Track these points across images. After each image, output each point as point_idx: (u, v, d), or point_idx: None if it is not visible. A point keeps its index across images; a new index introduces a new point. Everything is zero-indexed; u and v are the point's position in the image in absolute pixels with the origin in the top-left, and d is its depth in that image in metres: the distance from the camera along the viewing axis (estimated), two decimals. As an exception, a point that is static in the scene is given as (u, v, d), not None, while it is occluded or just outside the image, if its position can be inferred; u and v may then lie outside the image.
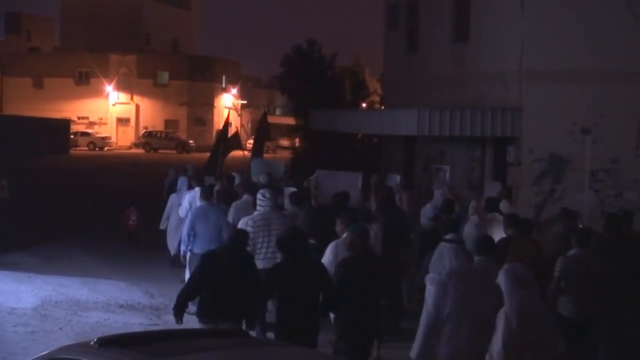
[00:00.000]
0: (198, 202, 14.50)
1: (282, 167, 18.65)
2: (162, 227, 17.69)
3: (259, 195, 12.02)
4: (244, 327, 9.05)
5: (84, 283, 15.44)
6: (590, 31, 18.06)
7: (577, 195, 17.70)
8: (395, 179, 16.30)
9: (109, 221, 22.61)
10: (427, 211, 14.53)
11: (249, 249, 11.42)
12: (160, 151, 70.18)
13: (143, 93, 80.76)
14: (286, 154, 44.97)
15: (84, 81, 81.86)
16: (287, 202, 14.03)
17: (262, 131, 22.95)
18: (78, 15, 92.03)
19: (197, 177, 16.71)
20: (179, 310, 9.16)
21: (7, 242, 18.39)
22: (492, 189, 15.76)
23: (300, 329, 8.42)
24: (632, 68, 18.08)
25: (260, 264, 11.59)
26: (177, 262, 16.08)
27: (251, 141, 26.78)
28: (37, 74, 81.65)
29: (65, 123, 69.74)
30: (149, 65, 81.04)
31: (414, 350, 8.22)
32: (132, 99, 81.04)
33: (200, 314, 9.12)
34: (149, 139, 73.88)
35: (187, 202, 15.54)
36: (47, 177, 39.75)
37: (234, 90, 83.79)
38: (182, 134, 76.95)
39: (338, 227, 10.35)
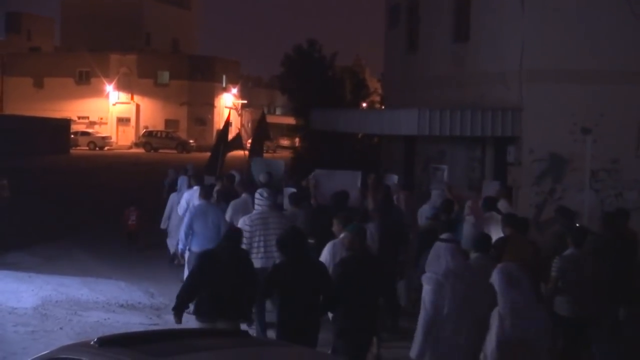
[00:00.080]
0: (195, 201, 14.53)
1: (283, 167, 18.66)
2: (162, 226, 17.71)
3: (257, 195, 12.04)
4: (242, 326, 9.09)
5: (84, 283, 15.44)
6: (591, 31, 18.06)
7: (578, 195, 17.71)
8: (393, 179, 16.30)
9: (109, 221, 22.62)
10: (424, 211, 14.54)
11: (245, 247, 11.47)
12: (160, 151, 70.20)
13: (143, 93, 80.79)
14: (286, 154, 44.98)
15: (85, 81, 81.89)
16: (286, 202, 14.05)
17: (261, 131, 22.99)
18: (78, 15, 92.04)
19: (196, 176, 16.72)
20: (179, 311, 9.16)
21: (7, 242, 18.39)
22: (490, 188, 15.79)
23: (301, 329, 8.42)
24: (633, 68, 18.07)
25: (257, 262, 11.61)
26: (176, 261, 16.09)
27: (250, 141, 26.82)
28: (38, 73, 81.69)
29: (66, 123, 69.76)
30: (149, 65, 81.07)
31: (413, 350, 8.24)
32: (132, 98, 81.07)
33: (198, 313, 9.12)
34: (149, 139, 73.89)
35: (184, 201, 15.57)
36: (47, 176, 39.76)
37: (234, 90, 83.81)
38: (182, 134, 76.97)
39: (335, 227, 10.36)
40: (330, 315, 9.03)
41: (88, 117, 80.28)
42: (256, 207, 11.99)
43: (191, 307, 9.59)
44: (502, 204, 13.82)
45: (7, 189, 22.56)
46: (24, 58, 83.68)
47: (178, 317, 9.16)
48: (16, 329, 12.06)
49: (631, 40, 18.10)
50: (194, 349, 5.86)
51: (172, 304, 9.42)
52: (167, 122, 79.69)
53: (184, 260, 14.10)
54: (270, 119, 75.15)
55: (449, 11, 21.81)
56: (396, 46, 25.92)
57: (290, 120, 47.07)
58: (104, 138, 74.03)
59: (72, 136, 70.04)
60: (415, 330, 9.12)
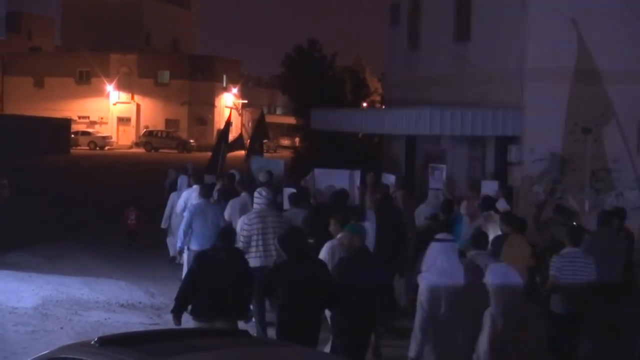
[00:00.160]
0: (193, 201, 14.56)
1: (282, 166, 18.67)
2: (163, 226, 17.69)
3: (256, 194, 12.07)
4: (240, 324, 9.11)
5: (84, 282, 15.44)
6: (591, 31, 18.06)
7: (578, 194, 17.71)
8: (391, 179, 16.30)
9: (109, 221, 22.60)
10: (422, 211, 14.57)
11: (243, 246, 11.49)
12: (160, 150, 70.20)
13: (144, 92, 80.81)
14: (287, 154, 44.99)
15: (85, 81, 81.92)
16: (286, 202, 14.06)
17: (260, 130, 23.03)
18: (79, 14, 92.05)
19: (196, 175, 16.72)
20: (178, 313, 9.15)
21: (7, 242, 18.38)
22: (489, 188, 15.85)
23: (301, 328, 8.42)
24: (633, 67, 18.08)
25: (255, 261, 11.62)
26: (176, 260, 16.09)
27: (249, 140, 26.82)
28: (38, 73, 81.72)
29: (66, 122, 69.79)
30: (150, 65, 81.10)
31: (412, 350, 8.25)
32: (132, 98, 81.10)
33: (196, 314, 9.10)
34: (149, 139, 73.90)
35: (182, 200, 15.61)
36: (47, 176, 39.74)
37: (235, 90, 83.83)
38: (182, 134, 76.99)
39: (332, 227, 10.36)
40: (327, 314, 9.02)
41: (88, 117, 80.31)
42: (255, 206, 12.01)
43: (189, 307, 9.59)
44: (500, 204, 13.90)
45: (7, 189, 22.56)
46: (24, 58, 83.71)
47: (177, 319, 9.14)
48: (16, 328, 12.06)
49: (632, 40, 18.11)
50: (194, 349, 5.85)
51: (172, 305, 9.41)
52: (168, 122, 79.71)
53: (183, 259, 14.10)
54: (271, 118, 75.47)
55: (449, 10, 21.81)
56: (397, 46, 25.91)
57: (291, 120, 47.09)
58: (104, 138, 74.04)
59: (73, 136, 70.06)
60: (412, 330, 9.13)
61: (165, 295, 14.27)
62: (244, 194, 13.97)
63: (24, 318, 12.67)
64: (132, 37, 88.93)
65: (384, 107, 31.61)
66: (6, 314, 12.87)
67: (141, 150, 71.74)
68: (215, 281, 8.97)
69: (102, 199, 29.64)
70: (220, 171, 19.68)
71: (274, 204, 12.97)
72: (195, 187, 15.31)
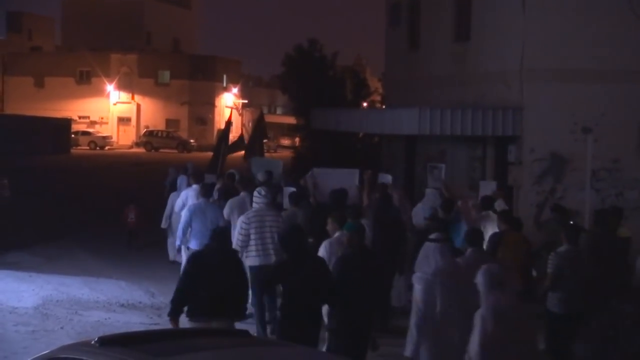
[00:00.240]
0: (190, 200, 14.58)
1: (281, 166, 18.70)
2: (163, 226, 17.70)
3: (255, 193, 12.10)
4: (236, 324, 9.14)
5: (85, 282, 15.45)
6: (591, 30, 18.06)
7: (578, 194, 17.71)
8: (387, 178, 16.31)
9: (109, 220, 22.61)
10: (419, 210, 14.61)
11: (241, 244, 11.51)
12: (161, 150, 70.20)
13: (144, 92, 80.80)
14: (287, 154, 44.98)
15: (85, 80, 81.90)
16: (286, 201, 14.08)
17: (260, 131, 23.07)
18: (79, 14, 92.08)
19: (196, 175, 16.73)
20: (175, 316, 9.14)
21: (8, 241, 18.40)
22: (487, 188, 15.90)
23: (302, 327, 8.42)
24: (633, 67, 18.08)
25: (253, 260, 11.64)
26: (177, 259, 16.11)
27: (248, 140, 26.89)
28: (38, 73, 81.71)
29: (66, 122, 69.80)
30: (150, 65, 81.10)
31: (408, 349, 8.25)
32: (133, 98, 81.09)
33: (191, 315, 9.09)
34: (150, 138, 73.91)
35: (181, 199, 15.63)
36: (48, 176, 39.75)
37: (235, 90, 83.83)
38: (183, 133, 76.99)
39: (329, 226, 10.37)
40: (324, 312, 9.01)
41: (89, 117, 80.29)
42: (254, 205, 12.05)
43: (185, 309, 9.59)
44: (499, 204, 13.96)
45: (7, 189, 22.60)
46: (24, 58, 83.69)
47: (175, 322, 9.12)
48: (17, 328, 12.06)
49: (632, 39, 18.11)
50: (195, 349, 5.85)
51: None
52: (168, 122, 79.70)
53: (182, 258, 14.12)
54: (271, 118, 75.54)
55: (450, 10, 21.81)
56: (397, 45, 25.91)
57: (291, 120, 47.05)
58: (104, 138, 74.04)
59: (73, 136, 70.06)
60: (408, 329, 9.13)
61: (166, 295, 14.25)
62: (243, 194, 13.98)
63: (25, 318, 12.67)
64: (132, 37, 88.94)
65: (384, 107, 31.62)
66: (6, 313, 12.88)
67: (141, 150, 71.74)
68: (210, 281, 8.96)
69: (103, 199, 29.65)
70: (221, 171, 19.71)
71: (274, 204, 12.99)
72: (195, 186, 15.34)
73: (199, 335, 6.64)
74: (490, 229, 12.26)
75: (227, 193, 14.62)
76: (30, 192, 29.20)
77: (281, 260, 9.05)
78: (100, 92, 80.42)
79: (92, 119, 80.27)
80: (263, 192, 12.01)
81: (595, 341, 10.56)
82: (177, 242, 13.77)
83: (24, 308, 13.23)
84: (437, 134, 19.21)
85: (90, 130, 76.10)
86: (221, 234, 9.49)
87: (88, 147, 70.20)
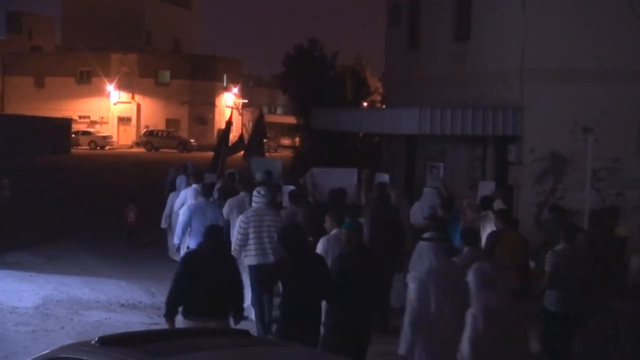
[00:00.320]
0: (189, 200, 14.57)
1: (280, 166, 18.73)
2: (163, 226, 17.71)
3: (255, 192, 12.12)
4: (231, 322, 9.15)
5: (85, 282, 15.45)
6: (591, 30, 18.07)
7: (579, 194, 17.71)
8: (384, 178, 16.33)
9: (110, 220, 22.62)
10: (417, 208, 14.62)
11: (239, 243, 11.51)
12: (161, 150, 70.19)
13: (144, 92, 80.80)
14: (287, 153, 44.98)
15: (85, 80, 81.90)
16: (286, 200, 14.09)
17: (259, 130, 23.11)
18: (79, 14, 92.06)
19: (196, 174, 16.74)
20: (170, 316, 9.15)
21: (8, 241, 18.40)
22: (486, 188, 15.93)
23: (302, 326, 8.42)
24: (633, 67, 18.09)
25: (252, 260, 11.64)
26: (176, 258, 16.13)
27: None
28: (39, 73, 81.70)
29: (67, 122, 69.78)
30: (150, 64, 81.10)
31: (402, 347, 8.25)
32: (133, 98, 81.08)
33: (186, 313, 9.10)
34: (150, 138, 73.90)
35: (180, 199, 15.67)
36: (48, 176, 39.75)
37: (235, 90, 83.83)
38: (183, 133, 76.99)
39: (327, 223, 10.40)
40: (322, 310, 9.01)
41: (89, 117, 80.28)
42: (253, 204, 12.06)
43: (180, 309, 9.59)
44: (497, 204, 14.00)
45: (7, 189, 22.59)
46: (24, 57, 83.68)
47: (170, 322, 9.13)
48: (17, 328, 12.07)
49: (632, 39, 18.12)
50: (195, 349, 5.85)
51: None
52: (168, 122, 79.70)
53: (179, 257, 14.13)
54: (271, 118, 75.53)
55: (450, 10, 21.82)
56: (397, 45, 25.92)
57: (291, 120, 47.06)
58: (104, 137, 74.02)
59: (73, 136, 70.04)
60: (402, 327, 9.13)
61: (166, 295, 14.25)
62: (242, 194, 14.00)
63: (25, 318, 12.68)
64: (132, 36, 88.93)
65: (384, 106, 31.63)
66: (7, 313, 12.89)
67: (142, 150, 71.73)
68: (205, 280, 8.96)
69: (103, 199, 29.65)
70: (221, 170, 19.74)
71: (273, 203, 13.00)
72: (194, 186, 15.36)
73: (199, 335, 6.64)
74: (489, 229, 12.38)
75: (227, 193, 14.63)
76: (30, 192, 29.20)
77: (281, 258, 9.04)
78: (100, 92, 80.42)
79: (92, 118, 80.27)
80: (262, 192, 12.03)
81: (595, 341, 10.58)
82: (177, 241, 13.79)
83: (25, 308, 13.24)
84: (437, 134, 19.21)
85: (91, 130, 76.09)
86: (215, 231, 9.47)
87: (88, 147, 70.20)
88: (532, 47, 18.36)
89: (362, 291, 8.75)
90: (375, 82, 52.37)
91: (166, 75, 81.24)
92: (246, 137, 25.60)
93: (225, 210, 13.63)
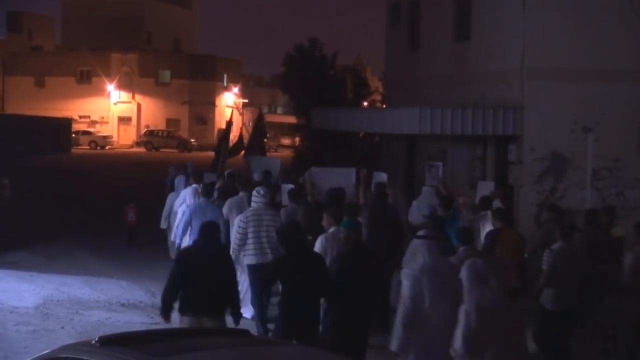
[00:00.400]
0: (188, 199, 14.56)
1: (279, 165, 18.75)
2: (162, 226, 17.72)
3: (254, 192, 12.14)
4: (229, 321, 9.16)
5: (85, 282, 15.46)
6: (592, 29, 18.07)
7: (579, 193, 17.72)
8: (383, 177, 16.35)
9: (110, 220, 22.63)
10: (415, 207, 14.63)
11: (238, 243, 11.51)
12: (161, 150, 70.19)
13: (144, 92, 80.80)
14: (288, 153, 44.99)
15: (86, 80, 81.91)
16: (285, 199, 14.10)
17: (259, 130, 23.13)
18: (79, 14, 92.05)
19: (196, 174, 16.76)
20: (166, 312, 9.19)
21: (8, 241, 18.41)
22: (485, 188, 15.95)
23: (302, 325, 8.41)
24: (634, 66, 18.09)
25: (250, 259, 11.65)
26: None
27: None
28: (39, 72, 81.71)
29: (67, 122, 69.79)
30: (151, 64, 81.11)
31: (394, 344, 8.26)
32: (133, 97, 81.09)
33: (182, 310, 9.12)
34: (150, 138, 73.91)
35: (181, 198, 15.69)
36: (48, 176, 39.76)
37: (236, 89, 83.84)
38: (183, 133, 76.99)
39: (325, 221, 10.40)
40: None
41: (89, 117, 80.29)
42: (252, 204, 12.07)
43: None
44: (496, 204, 14.02)
45: (8, 189, 22.58)
46: (25, 57, 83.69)
47: (167, 318, 9.20)
48: (17, 328, 12.07)
49: (632, 39, 18.12)
50: (195, 348, 5.86)
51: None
52: (168, 121, 79.71)
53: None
54: (272, 118, 75.55)
55: (450, 10, 21.82)
56: (397, 45, 25.92)
57: (292, 119, 47.10)
58: (105, 137, 74.02)
59: (73, 135, 70.05)
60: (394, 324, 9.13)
61: (166, 294, 14.27)
62: (241, 193, 14.02)
63: (25, 317, 12.68)
64: (133, 36, 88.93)
65: (384, 106, 31.63)
66: (7, 313, 12.89)
67: (142, 149, 71.73)
68: (197, 279, 8.99)
69: (103, 198, 29.66)
70: (221, 170, 19.75)
71: (272, 203, 13.01)
72: (194, 186, 15.37)
73: (199, 335, 6.64)
74: (488, 228, 12.42)
75: (227, 192, 14.65)
76: (30, 192, 29.20)
77: (280, 257, 9.05)
78: (100, 91, 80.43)
79: (92, 118, 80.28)
80: (262, 192, 12.04)
81: (594, 341, 10.60)
82: (177, 241, 13.78)
83: (25, 308, 13.24)
84: (437, 134, 19.21)
85: (91, 129, 76.10)
86: (209, 229, 9.47)
87: (88, 147, 70.21)
88: (532, 46, 18.35)
89: (361, 290, 8.76)
90: (376, 82, 52.40)
91: (166, 75, 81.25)
92: (246, 137, 25.62)
93: (224, 210, 13.65)
